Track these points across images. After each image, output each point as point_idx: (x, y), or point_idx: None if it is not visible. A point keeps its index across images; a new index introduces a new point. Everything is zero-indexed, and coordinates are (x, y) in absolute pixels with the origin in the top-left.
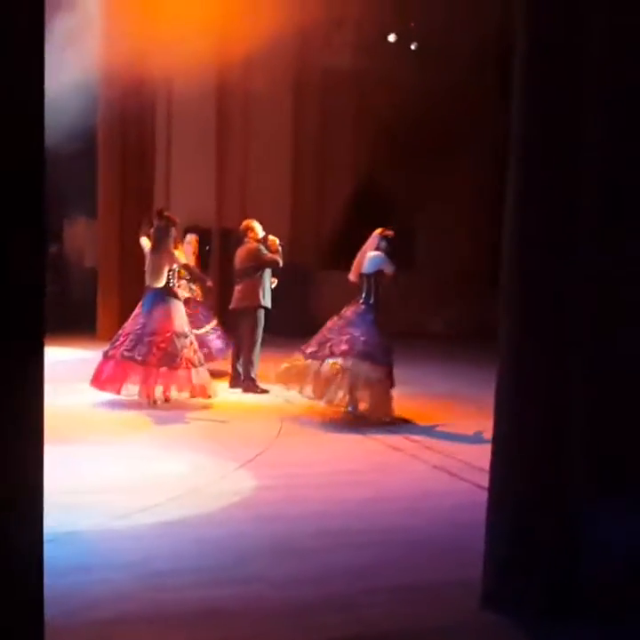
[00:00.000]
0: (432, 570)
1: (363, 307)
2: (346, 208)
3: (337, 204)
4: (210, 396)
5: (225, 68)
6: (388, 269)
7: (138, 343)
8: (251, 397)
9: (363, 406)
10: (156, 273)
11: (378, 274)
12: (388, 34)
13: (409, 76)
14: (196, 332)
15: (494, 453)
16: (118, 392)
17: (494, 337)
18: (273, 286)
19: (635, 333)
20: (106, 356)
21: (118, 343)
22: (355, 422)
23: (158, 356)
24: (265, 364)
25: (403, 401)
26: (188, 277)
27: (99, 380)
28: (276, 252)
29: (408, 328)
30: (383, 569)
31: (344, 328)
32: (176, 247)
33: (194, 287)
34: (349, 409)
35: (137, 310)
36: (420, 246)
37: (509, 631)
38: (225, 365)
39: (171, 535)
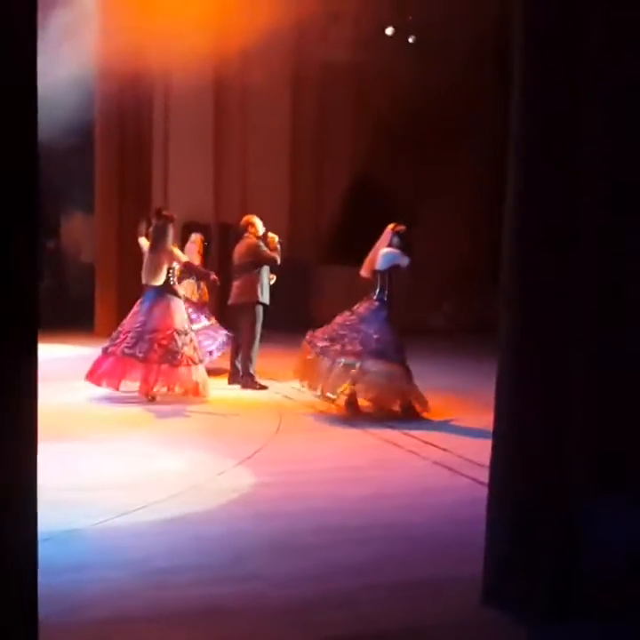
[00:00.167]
0: (433, 566)
1: (376, 303)
2: (344, 202)
3: (335, 198)
4: (204, 396)
5: (222, 62)
6: (404, 263)
7: (139, 340)
8: (250, 393)
9: (369, 403)
10: (155, 271)
11: (391, 270)
12: (386, 27)
13: (407, 70)
14: None
15: (494, 452)
16: (117, 388)
17: (495, 332)
18: (271, 283)
19: (635, 331)
20: (105, 353)
21: (119, 340)
22: (354, 418)
23: (160, 353)
24: (264, 360)
25: None
26: (193, 277)
27: (95, 375)
28: (275, 249)
29: (408, 324)
30: (383, 565)
31: (357, 325)
32: (175, 245)
33: (202, 285)
34: (349, 404)
35: (136, 308)
36: (418, 240)
37: (510, 628)
38: (223, 362)
39: (170, 532)
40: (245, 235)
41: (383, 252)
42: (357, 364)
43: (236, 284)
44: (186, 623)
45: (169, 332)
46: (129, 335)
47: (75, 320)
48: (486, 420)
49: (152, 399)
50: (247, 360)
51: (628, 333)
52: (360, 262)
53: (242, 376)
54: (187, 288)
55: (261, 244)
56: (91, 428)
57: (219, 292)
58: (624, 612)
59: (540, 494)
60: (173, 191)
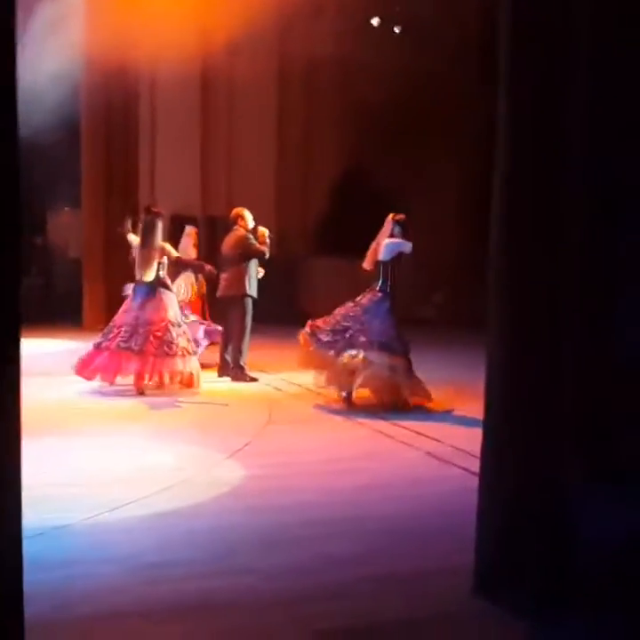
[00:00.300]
0: (424, 557)
1: (380, 294)
2: (331, 195)
3: (322, 190)
4: (197, 387)
5: (208, 55)
6: (407, 249)
7: (134, 334)
8: (240, 386)
9: (368, 394)
10: (146, 267)
11: (394, 260)
12: (371, 18)
13: (393, 61)
14: None
15: (484, 443)
16: (112, 382)
17: (485, 323)
18: (259, 276)
19: (627, 321)
20: (98, 348)
21: (112, 335)
22: (346, 409)
23: (155, 344)
24: (254, 353)
25: None
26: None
27: (86, 369)
28: (264, 243)
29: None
30: (374, 557)
31: (360, 316)
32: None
33: (200, 277)
34: (344, 395)
35: (127, 304)
36: (408, 231)
37: (502, 618)
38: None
39: (161, 527)
40: (235, 227)
41: (386, 243)
42: (361, 355)
43: (223, 276)
44: (178, 618)
45: (163, 323)
46: (123, 329)
47: (63, 315)
48: (478, 410)
49: (141, 393)
50: (237, 352)
51: (619, 323)
52: (347, 254)
53: (232, 368)
54: (185, 282)
55: (251, 236)
56: (80, 423)
57: (206, 285)
58: (616, 604)
59: (531, 485)
60: (160, 185)
